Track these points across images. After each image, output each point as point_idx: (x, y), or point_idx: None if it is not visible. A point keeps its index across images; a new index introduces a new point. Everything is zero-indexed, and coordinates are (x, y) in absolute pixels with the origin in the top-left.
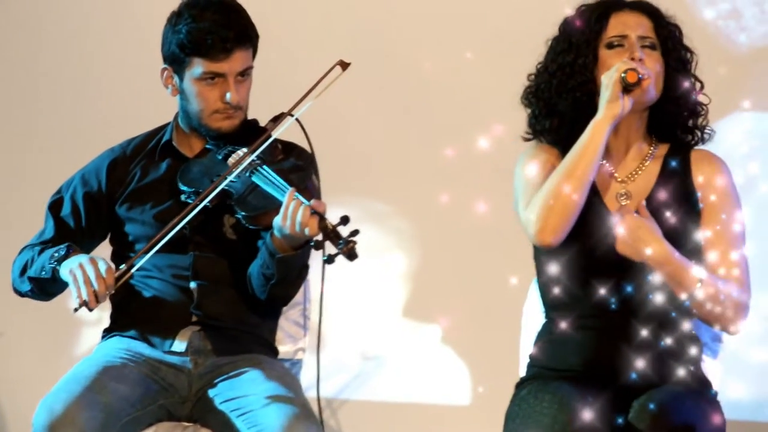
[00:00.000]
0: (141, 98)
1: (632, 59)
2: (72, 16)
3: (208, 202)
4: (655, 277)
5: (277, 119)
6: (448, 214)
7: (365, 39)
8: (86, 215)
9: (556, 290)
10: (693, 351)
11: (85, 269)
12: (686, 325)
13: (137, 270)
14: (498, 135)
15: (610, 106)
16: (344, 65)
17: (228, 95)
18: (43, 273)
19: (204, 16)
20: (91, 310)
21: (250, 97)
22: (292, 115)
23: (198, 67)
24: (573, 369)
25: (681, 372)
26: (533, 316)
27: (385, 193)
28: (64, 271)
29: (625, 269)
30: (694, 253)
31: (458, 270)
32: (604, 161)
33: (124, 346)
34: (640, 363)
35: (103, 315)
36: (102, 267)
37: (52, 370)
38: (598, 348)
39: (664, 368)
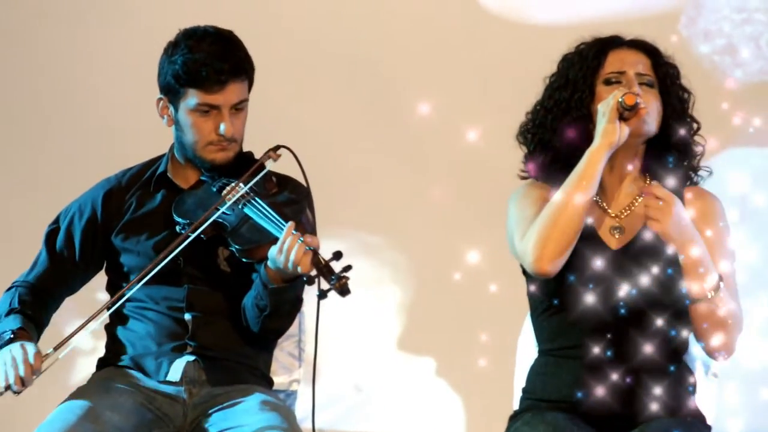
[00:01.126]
0: (142, 122)
1: None
2: (72, 36)
3: (202, 234)
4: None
5: (273, 152)
6: (442, 247)
7: (359, 70)
8: (81, 246)
9: (550, 324)
10: (686, 384)
11: (14, 355)
12: (679, 358)
13: (131, 301)
14: (492, 167)
15: (607, 133)
16: (276, 157)
17: (222, 127)
18: None
19: (200, 47)
20: (15, 393)
21: (246, 129)
22: (293, 152)
23: (193, 98)
24: (566, 400)
25: (672, 404)
26: (527, 350)
27: (379, 225)
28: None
29: (620, 302)
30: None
31: (452, 303)
32: (597, 197)
33: (119, 375)
34: (633, 395)
35: (98, 345)
36: (30, 352)
37: (47, 400)
38: (592, 379)
39: (656, 400)
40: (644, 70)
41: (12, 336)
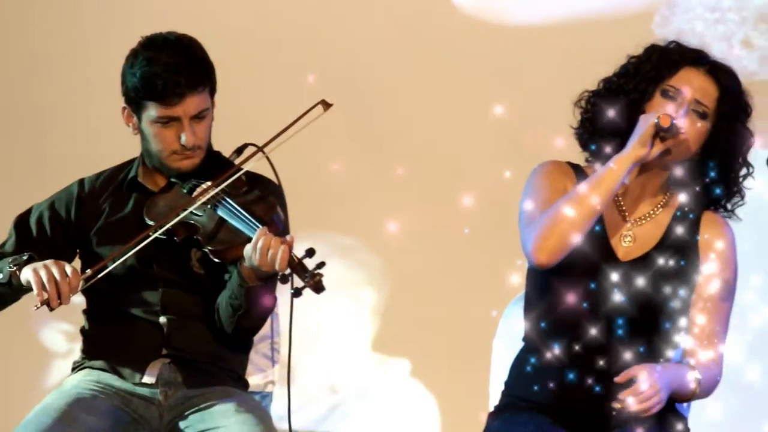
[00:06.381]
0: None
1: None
2: (60, 36)
3: (175, 236)
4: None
5: (241, 150)
6: (416, 248)
7: (334, 72)
8: (52, 238)
9: (543, 320)
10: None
11: (50, 268)
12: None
13: (106, 304)
14: (469, 166)
15: (638, 146)
16: (326, 105)
17: (183, 138)
18: (0, 277)
19: (158, 59)
20: (51, 309)
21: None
22: (264, 152)
23: (152, 110)
24: (546, 402)
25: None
26: (503, 352)
27: (353, 227)
28: (27, 272)
29: (616, 315)
30: (685, 309)
31: (427, 304)
32: (619, 198)
33: (94, 378)
34: (617, 405)
35: (73, 347)
36: (68, 268)
37: (21, 403)
38: (574, 386)
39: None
40: (705, 99)
41: (29, 258)
